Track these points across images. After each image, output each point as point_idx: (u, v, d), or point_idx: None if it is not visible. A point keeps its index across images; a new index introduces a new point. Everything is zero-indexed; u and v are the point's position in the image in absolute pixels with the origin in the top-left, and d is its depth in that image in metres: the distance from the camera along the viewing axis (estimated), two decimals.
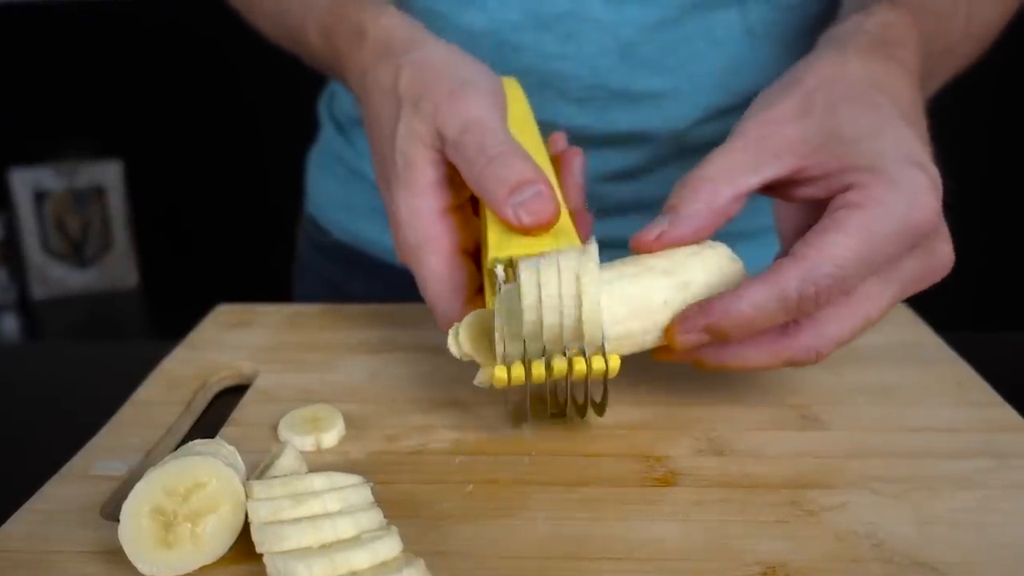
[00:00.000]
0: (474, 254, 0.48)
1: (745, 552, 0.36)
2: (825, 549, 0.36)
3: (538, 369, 0.41)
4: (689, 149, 0.67)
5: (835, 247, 0.40)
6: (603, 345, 0.41)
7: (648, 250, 0.43)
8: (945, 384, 0.50)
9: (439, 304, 0.46)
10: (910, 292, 0.43)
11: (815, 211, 0.43)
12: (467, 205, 0.49)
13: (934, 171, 0.41)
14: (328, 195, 0.80)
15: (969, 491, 0.40)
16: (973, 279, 1.68)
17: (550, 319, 0.40)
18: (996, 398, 0.49)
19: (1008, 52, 0.70)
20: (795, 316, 0.41)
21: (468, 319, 0.43)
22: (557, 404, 0.46)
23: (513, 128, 0.47)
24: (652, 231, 0.43)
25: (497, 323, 0.41)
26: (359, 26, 0.53)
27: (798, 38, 0.66)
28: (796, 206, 0.47)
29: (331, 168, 0.79)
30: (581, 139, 0.67)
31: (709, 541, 0.37)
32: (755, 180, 0.43)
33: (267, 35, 0.68)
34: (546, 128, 0.67)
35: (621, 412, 0.48)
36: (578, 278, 0.40)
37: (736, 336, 0.41)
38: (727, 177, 0.43)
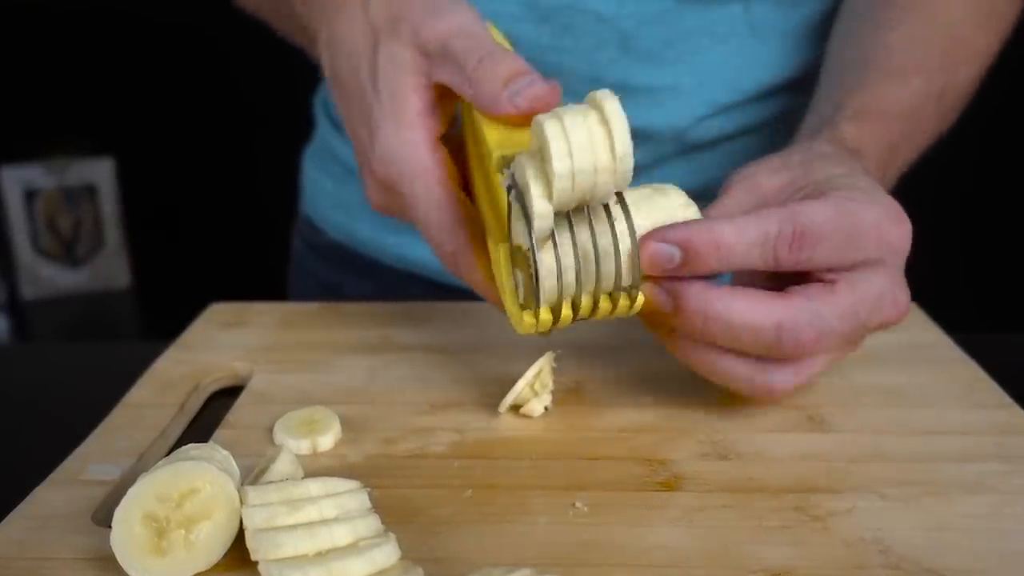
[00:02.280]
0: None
1: (749, 559, 0.36)
2: (832, 556, 0.36)
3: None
4: (691, 147, 0.67)
5: (815, 207, 0.41)
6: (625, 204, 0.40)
7: None
8: (956, 386, 0.50)
9: (444, 235, 0.45)
10: (878, 313, 0.43)
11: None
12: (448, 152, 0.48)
13: (906, 218, 0.44)
14: (323, 194, 0.80)
15: (980, 496, 0.40)
16: (985, 280, 1.68)
17: (582, 162, 0.37)
18: (1008, 400, 0.49)
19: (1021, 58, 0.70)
20: (770, 262, 0.41)
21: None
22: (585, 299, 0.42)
23: None
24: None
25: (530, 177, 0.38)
26: None
27: (802, 36, 0.66)
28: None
29: (326, 166, 0.79)
30: None
31: (713, 547, 0.37)
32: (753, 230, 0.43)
33: (254, 9, 0.68)
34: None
35: (623, 414, 0.48)
36: (602, 108, 0.38)
37: (706, 262, 0.40)
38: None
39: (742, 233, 0.40)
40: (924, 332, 0.57)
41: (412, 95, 0.46)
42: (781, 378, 0.43)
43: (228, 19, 0.73)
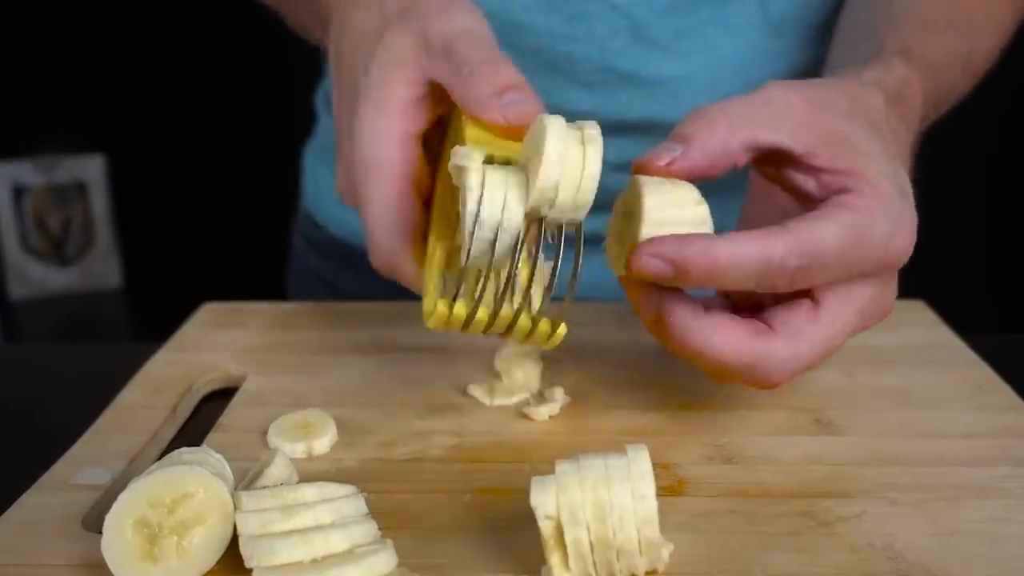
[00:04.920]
0: (426, 203, 0.48)
1: (755, 565, 0.36)
2: (840, 561, 0.36)
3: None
4: None
5: (825, 232, 0.40)
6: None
7: (648, 174, 0.43)
8: (966, 388, 0.50)
9: (379, 233, 0.45)
10: (863, 325, 0.44)
11: (796, 202, 0.45)
12: (427, 159, 0.48)
13: (915, 218, 0.43)
14: (325, 189, 0.80)
15: (991, 500, 0.40)
16: (997, 280, 1.68)
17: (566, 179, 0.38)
18: (1019, 402, 0.49)
19: None
20: (766, 287, 0.41)
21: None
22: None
23: None
24: (662, 157, 0.42)
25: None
26: None
27: (818, 30, 0.66)
28: (770, 209, 0.48)
29: (329, 162, 0.79)
30: None
31: (718, 553, 0.37)
32: (771, 138, 0.43)
33: None
34: (555, 113, 0.66)
35: (626, 417, 0.48)
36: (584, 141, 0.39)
37: (697, 282, 0.40)
38: (746, 123, 0.43)
39: (741, 260, 0.39)
40: (933, 332, 0.57)
41: (401, 86, 0.46)
42: (782, 348, 0.42)
43: (224, 14, 0.73)
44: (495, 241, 0.39)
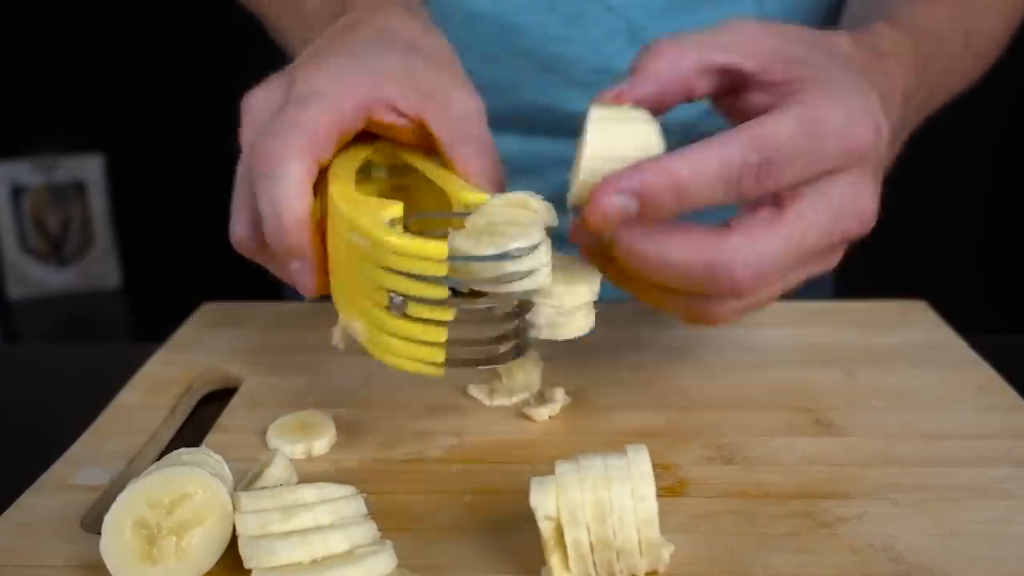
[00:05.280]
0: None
1: (756, 566, 0.36)
2: (840, 563, 0.36)
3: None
4: (701, 140, 0.67)
5: (779, 125, 0.39)
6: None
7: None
8: (967, 388, 0.50)
9: (288, 216, 0.41)
10: (839, 229, 0.41)
11: None
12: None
13: (880, 114, 0.42)
14: None
15: (992, 501, 0.40)
16: (999, 280, 1.68)
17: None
18: (1021, 403, 0.49)
19: None
20: (734, 195, 0.39)
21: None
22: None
23: None
24: (612, 91, 0.42)
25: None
26: None
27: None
28: None
29: None
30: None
31: (719, 554, 0.37)
32: (722, 58, 0.43)
33: (255, 6, 0.68)
34: (549, 115, 0.67)
35: (626, 418, 0.48)
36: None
37: (664, 206, 0.38)
38: (694, 46, 0.43)
39: (702, 169, 0.38)
40: (935, 332, 0.57)
41: (366, 88, 0.44)
42: (723, 308, 0.42)
43: (223, 14, 0.73)
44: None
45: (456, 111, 0.46)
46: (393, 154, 0.48)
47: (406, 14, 0.50)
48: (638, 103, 0.42)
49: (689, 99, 0.44)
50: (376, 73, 0.45)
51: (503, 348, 0.40)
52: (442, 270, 0.38)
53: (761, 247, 0.39)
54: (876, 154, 0.42)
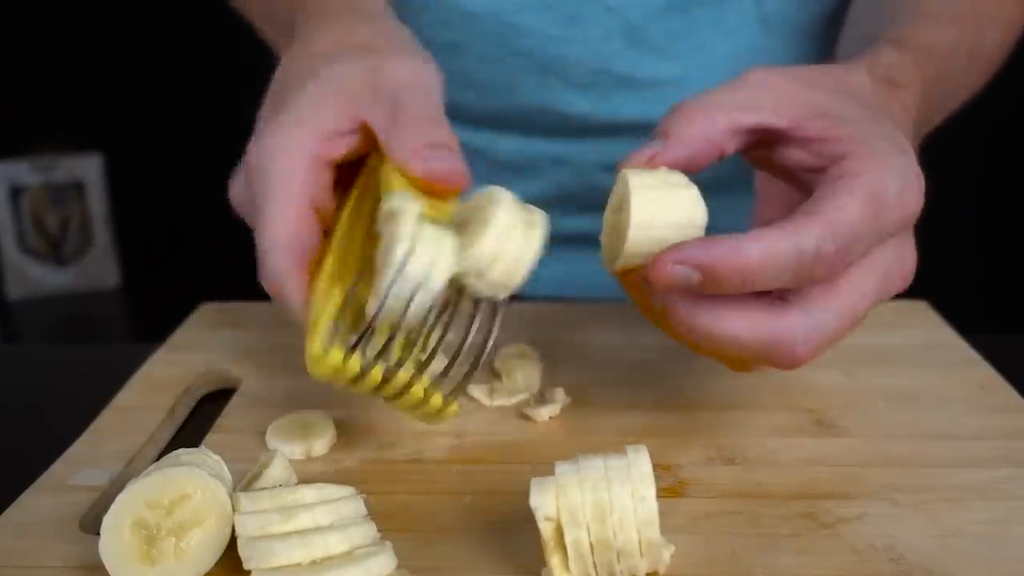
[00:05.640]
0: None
1: (757, 567, 0.36)
2: (841, 563, 0.36)
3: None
4: None
5: (850, 207, 0.38)
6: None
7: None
8: (968, 388, 0.50)
9: (272, 252, 0.42)
10: (887, 292, 0.42)
11: (800, 192, 0.43)
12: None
13: (919, 171, 0.41)
14: None
15: (994, 502, 0.40)
16: (1001, 280, 1.68)
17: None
18: (1022, 403, 0.49)
19: None
20: (802, 281, 0.39)
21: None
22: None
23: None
24: (643, 154, 0.41)
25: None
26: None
27: (813, 30, 0.67)
28: (780, 209, 0.46)
29: None
30: (584, 127, 0.67)
31: (719, 555, 0.37)
32: (753, 118, 0.42)
33: (243, 9, 0.68)
34: (547, 115, 0.67)
35: (626, 418, 0.48)
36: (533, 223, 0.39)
37: (728, 286, 0.38)
38: (723, 108, 0.42)
39: (774, 256, 0.37)
40: (936, 333, 0.57)
41: (333, 113, 0.44)
42: (797, 319, 0.40)
43: (222, 14, 0.73)
44: (410, 299, 0.37)
45: (386, 92, 0.44)
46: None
47: (336, 19, 0.50)
48: (671, 165, 0.41)
49: (720, 159, 0.43)
50: (310, 123, 0.44)
51: (478, 338, 0.39)
52: (354, 367, 0.38)
53: (818, 321, 0.39)
54: (916, 218, 0.42)
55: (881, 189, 0.39)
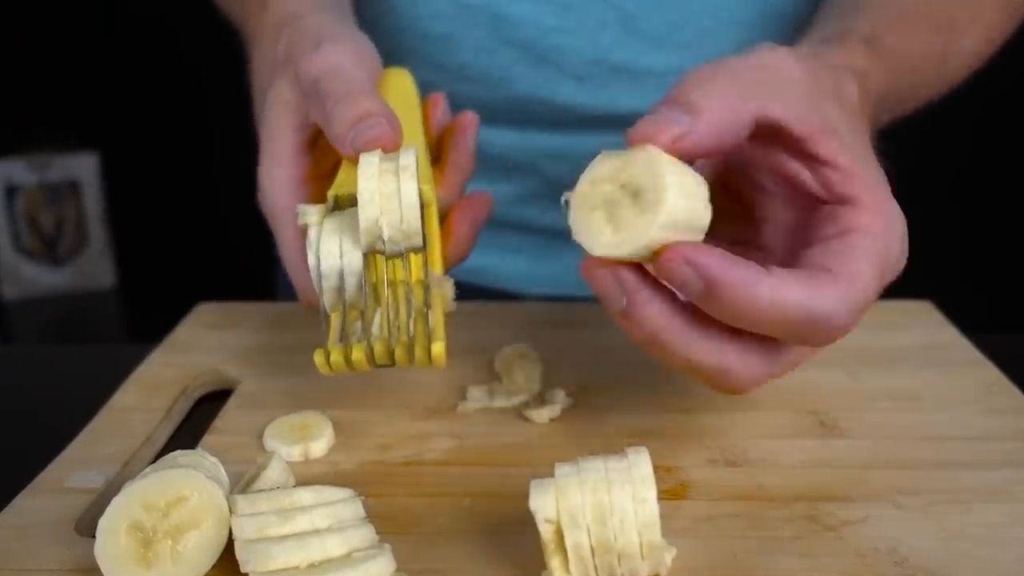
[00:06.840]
0: None
1: (759, 569, 0.36)
2: (844, 566, 0.36)
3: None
4: None
5: (865, 274, 0.38)
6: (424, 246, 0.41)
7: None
8: (973, 389, 0.50)
9: (293, 275, 0.47)
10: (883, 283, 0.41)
11: (803, 209, 0.42)
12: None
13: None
14: None
15: (998, 504, 0.40)
16: (1003, 280, 1.68)
17: (370, 212, 0.40)
18: None
19: None
20: (795, 340, 0.38)
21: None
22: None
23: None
24: (667, 129, 0.37)
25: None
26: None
27: (810, 21, 0.66)
28: (783, 205, 0.44)
29: None
30: (580, 119, 0.67)
31: (721, 558, 0.37)
32: (779, 115, 0.38)
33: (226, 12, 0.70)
34: (543, 107, 0.67)
35: (627, 420, 0.48)
36: (399, 173, 0.40)
37: (721, 313, 0.36)
38: (754, 93, 0.38)
39: (782, 306, 0.35)
40: (940, 333, 0.57)
41: (287, 133, 0.47)
42: (761, 371, 0.40)
43: (218, 12, 0.73)
44: (342, 287, 0.41)
45: (307, 89, 0.46)
46: None
47: (268, 34, 0.53)
48: (692, 152, 0.37)
49: (732, 151, 0.40)
50: (280, 153, 0.48)
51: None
52: (361, 360, 0.42)
53: (857, 298, 0.38)
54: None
55: (888, 253, 0.39)
